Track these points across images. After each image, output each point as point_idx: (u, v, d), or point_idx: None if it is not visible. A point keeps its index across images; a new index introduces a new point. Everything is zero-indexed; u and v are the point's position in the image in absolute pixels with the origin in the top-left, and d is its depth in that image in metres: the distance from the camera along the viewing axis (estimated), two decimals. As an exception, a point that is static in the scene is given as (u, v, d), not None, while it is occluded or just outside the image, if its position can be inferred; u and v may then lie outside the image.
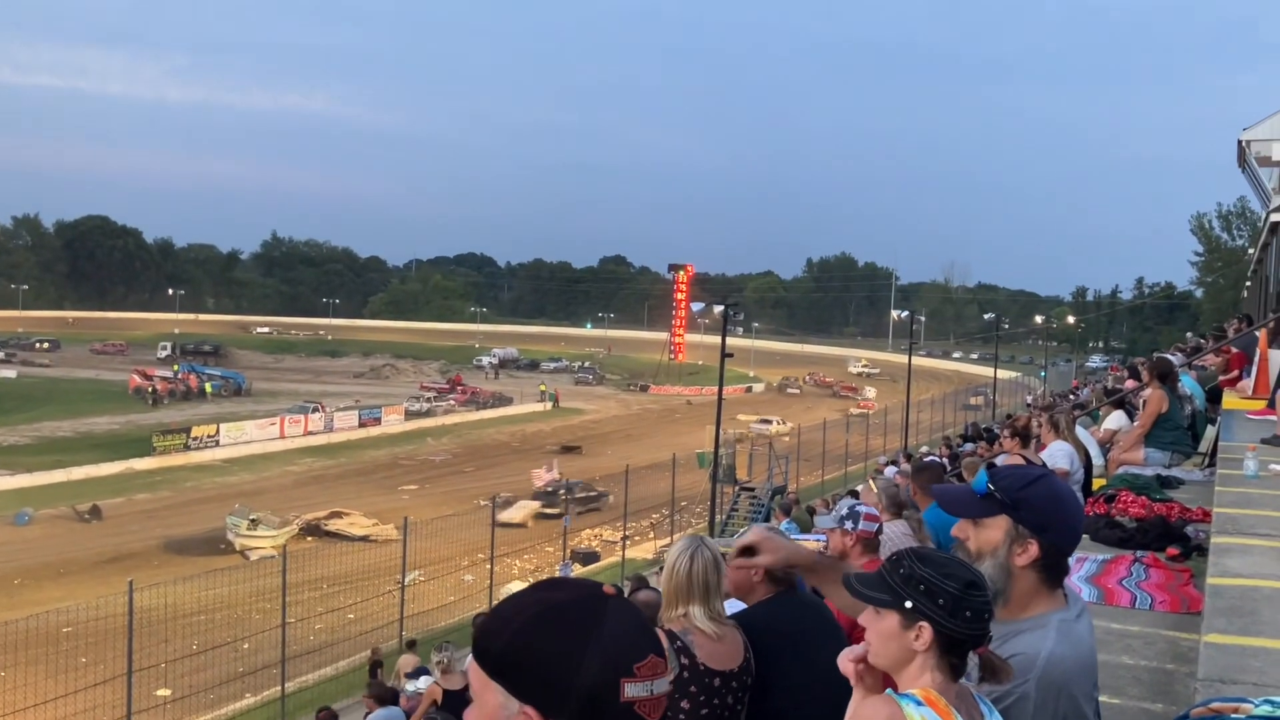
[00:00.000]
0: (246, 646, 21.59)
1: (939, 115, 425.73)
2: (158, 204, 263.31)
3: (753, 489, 33.37)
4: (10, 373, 79.56)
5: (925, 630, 1.87)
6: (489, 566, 26.32)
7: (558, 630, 1.34)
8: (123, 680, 16.87)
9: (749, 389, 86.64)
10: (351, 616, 24.13)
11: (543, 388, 78.59)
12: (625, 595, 1.46)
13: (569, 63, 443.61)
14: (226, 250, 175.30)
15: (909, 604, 1.89)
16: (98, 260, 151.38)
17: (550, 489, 38.56)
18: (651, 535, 33.97)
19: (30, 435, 54.69)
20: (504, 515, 32.21)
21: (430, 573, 26.82)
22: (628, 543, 31.08)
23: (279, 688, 18.15)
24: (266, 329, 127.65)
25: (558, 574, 25.94)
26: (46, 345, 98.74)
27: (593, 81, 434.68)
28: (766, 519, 27.14)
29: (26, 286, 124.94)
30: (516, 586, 26.18)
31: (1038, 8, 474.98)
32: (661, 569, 3.74)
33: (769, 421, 61.10)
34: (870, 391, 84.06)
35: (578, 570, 28.65)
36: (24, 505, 37.37)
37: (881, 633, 1.92)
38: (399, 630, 20.44)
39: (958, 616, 1.87)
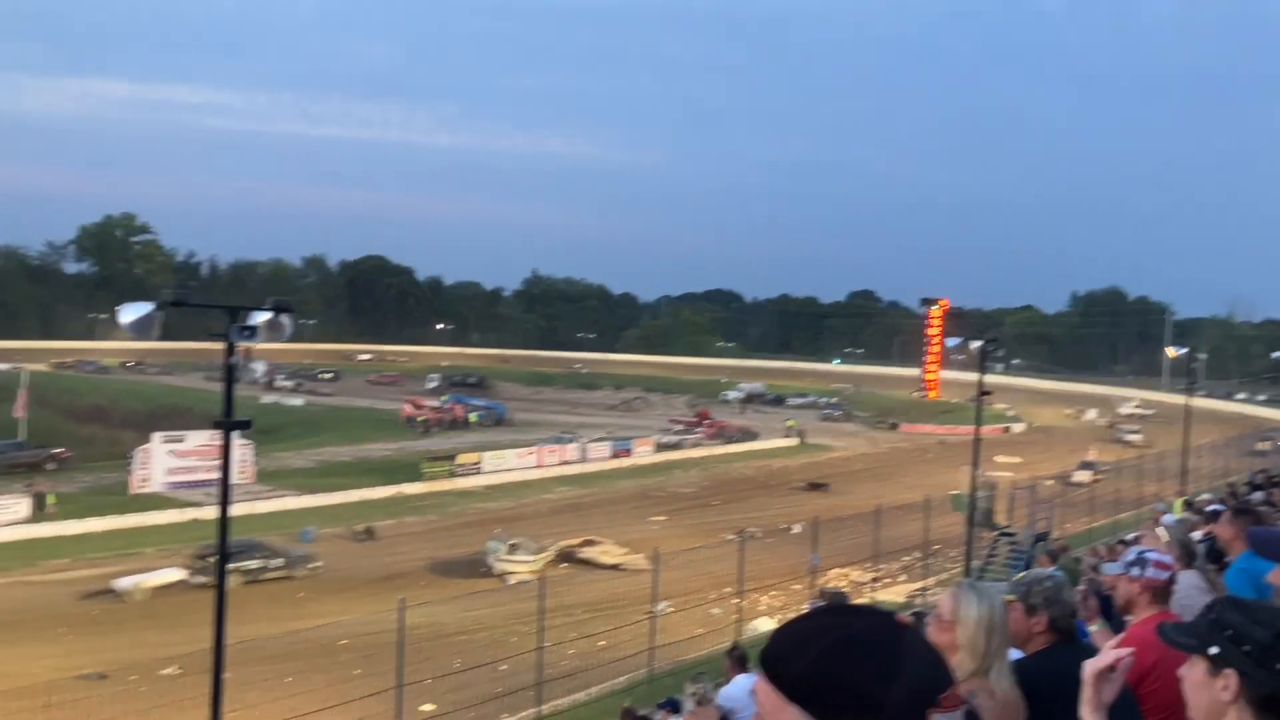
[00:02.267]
0: (504, 668, 22.41)
1: (1218, 138, 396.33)
2: (429, 244, 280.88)
3: (1013, 535, 31.85)
4: (298, 401, 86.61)
5: (1231, 679, 1.74)
6: (737, 601, 26.32)
7: (862, 659, 1.36)
8: (392, 694, 17.84)
9: (1007, 429, 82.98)
10: (603, 644, 24.61)
11: (790, 423, 77.99)
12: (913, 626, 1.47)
13: (816, 97, 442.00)
14: (490, 287, 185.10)
15: (1214, 650, 1.77)
16: (375, 297, 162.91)
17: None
18: (903, 578, 33.00)
19: (314, 459, 59.08)
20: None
21: (678, 604, 27.05)
22: (877, 585, 30.32)
23: (535, 710, 18.72)
24: (367, 355, 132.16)
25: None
26: (329, 376, 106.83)
27: (840, 115, 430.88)
28: (1028, 567, 25.83)
29: (313, 321, 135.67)
30: (765, 623, 26.10)
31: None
32: (927, 616, 3.51)
33: (1132, 432, 68.88)
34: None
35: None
36: (308, 524, 40.36)
37: (1192, 682, 1.81)
38: (649, 660, 20.69)
39: (1266, 667, 1.72)
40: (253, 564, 32.02)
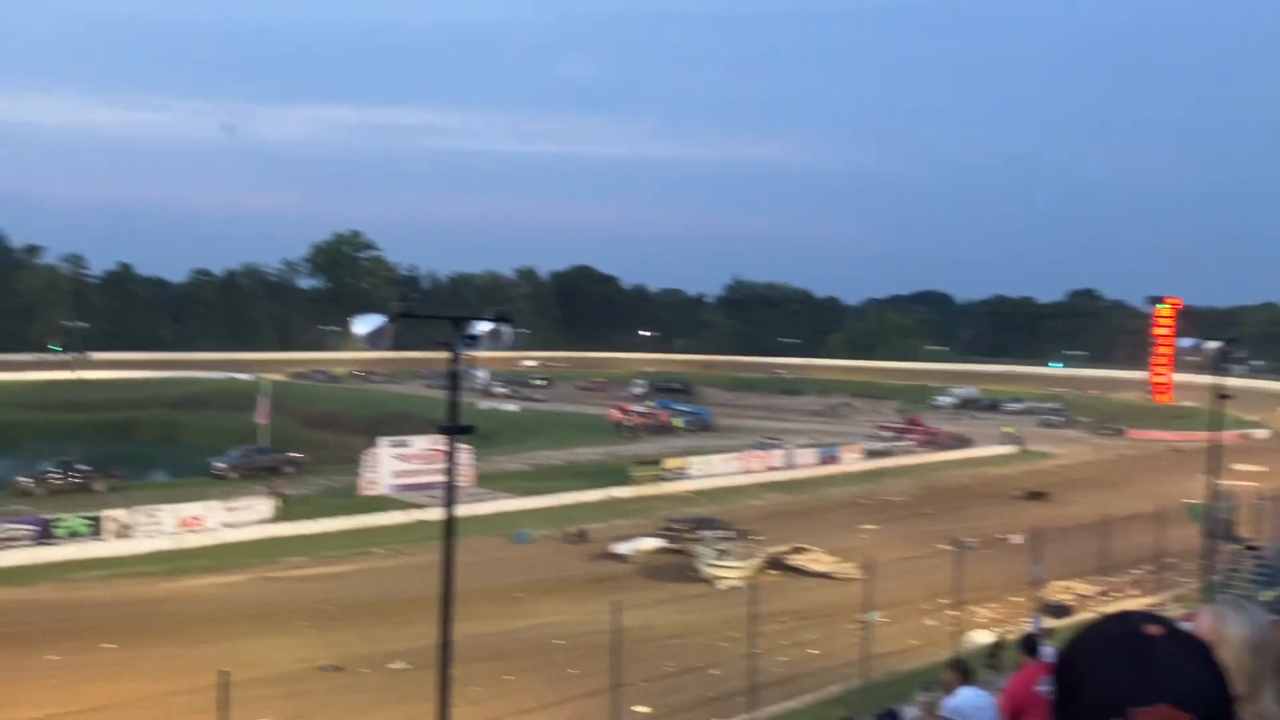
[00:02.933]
0: (716, 672, 22.48)
1: None
2: (633, 253, 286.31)
3: (1258, 548, 29.65)
4: (513, 407, 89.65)
5: None
6: (953, 613, 25.51)
7: (1079, 655, 1.41)
8: (606, 694, 18.15)
9: (1247, 435, 77.28)
10: (814, 652, 24.36)
11: (1006, 430, 75.16)
12: (1173, 636, 1.41)
13: (1024, 90, 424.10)
14: (693, 294, 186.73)
15: None
16: (583, 305, 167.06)
17: None
18: (1134, 592, 31.20)
19: (528, 463, 60.89)
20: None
21: (891, 615, 26.45)
22: (1105, 599, 28.80)
23: (748, 715, 18.69)
24: (532, 362, 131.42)
25: (1029, 628, 24.58)
26: (541, 383, 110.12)
27: (1053, 107, 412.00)
28: (1275, 583, 24.01)
29: (526, 330, 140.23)
30: (981, 635, 25.22)
31: None
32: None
33: None
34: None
35: (1049, 624, 26.93)
36: (523, 526, 41.66)
37: None
38: (863, 670, 20.32)
39: None
40: (709, 534, 37.68)
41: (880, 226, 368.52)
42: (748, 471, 56.69)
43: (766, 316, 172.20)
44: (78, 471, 48.46)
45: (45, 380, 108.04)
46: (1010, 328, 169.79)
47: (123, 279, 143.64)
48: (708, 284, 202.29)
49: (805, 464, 59.68)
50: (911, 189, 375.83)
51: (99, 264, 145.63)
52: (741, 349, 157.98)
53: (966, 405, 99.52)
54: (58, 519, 36.87)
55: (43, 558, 34.82)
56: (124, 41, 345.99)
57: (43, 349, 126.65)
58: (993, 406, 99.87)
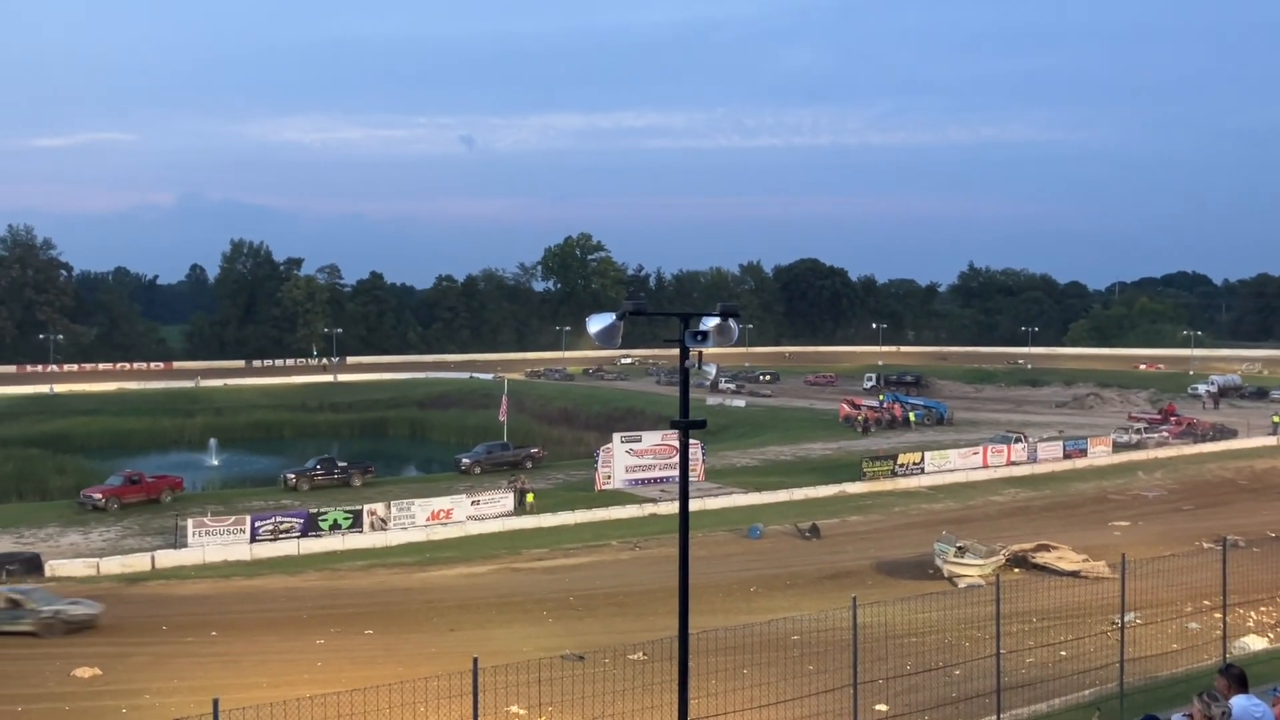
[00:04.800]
0: (958, 673, 21.79)
1: None
2: (861, 244, 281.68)
3: None
4: (740, 402, 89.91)
5: None
6: (1218, 616, 23.72)
7: None
8: (845, 691, 17.86)
9: None
10: (1064, 654, 23.21)
11: (1276, 419, 69.47)
12: None
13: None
14: (925, 284, 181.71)
15: None
16: (809, 299, 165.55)
17: None
18: None
19: (758, 458, 60.90)
20: None
21: (1147, 616, 24.88)
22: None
23: (993, 718, 17.99)
24: (629, 358, 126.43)
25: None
26: (768, 378, 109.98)
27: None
28: None
29: (751, 325, 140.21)
30: (1252, 640, 23.37)
31: None
32: None
33: None
34: None
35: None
36: (756, 520, 41.69)
37: None
38: (1119, 674, 19.17)
39: None
40: None
41: (1127, 206, 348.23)
42: (986, 466, 54.72)
43: (1004, 305, 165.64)
44: (338, 468, 51.90)
45: (306, 383, 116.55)
46: (1278, 309, 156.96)
47: (373, 287, 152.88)
48: (941, 273, 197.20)
49: (1049, 458, 57.12)
50: (1161, 165, 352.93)
51: (351, 274, 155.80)
52: (978, 339, 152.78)
53: (1228, 393, 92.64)
54: (322, 512, 39.68)
55: (309, 548, 37.63)
56: (370, 64, 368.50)
57: (304, 355, 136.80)
58: (1260, 394, 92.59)
